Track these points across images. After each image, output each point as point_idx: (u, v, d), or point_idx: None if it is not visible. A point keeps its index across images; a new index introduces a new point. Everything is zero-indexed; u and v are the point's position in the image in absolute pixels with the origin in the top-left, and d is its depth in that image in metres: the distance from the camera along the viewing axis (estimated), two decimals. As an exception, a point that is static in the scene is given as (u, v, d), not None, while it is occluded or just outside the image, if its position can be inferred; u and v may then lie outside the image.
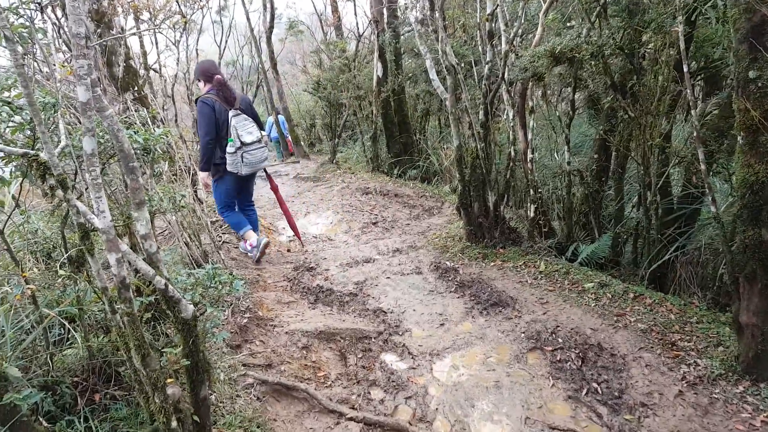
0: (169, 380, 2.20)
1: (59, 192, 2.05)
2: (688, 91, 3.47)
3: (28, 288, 2.43)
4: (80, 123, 2.01)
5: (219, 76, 5.22)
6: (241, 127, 5.15)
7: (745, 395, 3.00)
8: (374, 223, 8.02)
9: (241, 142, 5.13)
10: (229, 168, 5.28)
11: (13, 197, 2.76)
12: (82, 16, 1.79)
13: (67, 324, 2.72)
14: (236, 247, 6.39)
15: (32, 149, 2.22)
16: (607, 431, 3.06)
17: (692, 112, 3.53)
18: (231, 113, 5.16)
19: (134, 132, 2.81)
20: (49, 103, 2.42)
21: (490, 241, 5.89)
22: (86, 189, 2.53)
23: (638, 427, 3.01)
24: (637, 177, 5.25)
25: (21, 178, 2.40)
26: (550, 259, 5.38)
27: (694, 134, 3.57)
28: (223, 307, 4.23)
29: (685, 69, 3.54)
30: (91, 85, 1.83)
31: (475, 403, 3.45)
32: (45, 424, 2.34)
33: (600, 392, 3.35)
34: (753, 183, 2.74)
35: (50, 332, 2.92)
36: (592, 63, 4.65)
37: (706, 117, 4.49)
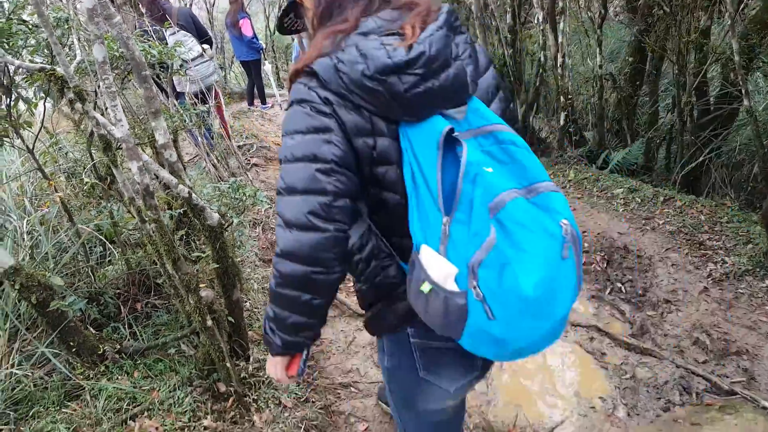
0: (201, 285, 2.34)
1: (78, 105, 2.11)
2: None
3: (58, 195, 2.56)
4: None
5: None
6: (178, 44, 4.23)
7: (771, 288, 2.99)
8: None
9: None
10: (178, 89, 4.71)
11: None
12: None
13: (104, 239, 2.88)
14: (265, 170, 6.48)
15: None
16: (629, 327, 3.13)
17: (726, 0, 3.31)
18: (167, 32, 4.64)
19: (149, 46, 2.84)
20: (62, 18, 2.45)
21: (519, 152, 5.82)
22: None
23: (660, 322, 3.06)
24: (672, 78, 5.02)
25: (44, 97, 2.49)
26: (580, 167, 5.30)
27: (729, 23, 3.36)
28: (252, 224, 4.38)
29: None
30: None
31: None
32: (93, 331, 2.54)
33: (624, 291, 3.40)
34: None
35: (90, 252, 3.10)
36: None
37: (746, 9, 4.20)
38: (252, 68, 8.66)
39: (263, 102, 9.18)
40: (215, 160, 4.93)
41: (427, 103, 1.10)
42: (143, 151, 3.35)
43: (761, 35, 4.04)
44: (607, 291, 3.43)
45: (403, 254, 1.23)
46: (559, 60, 5.36)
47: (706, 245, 3.53)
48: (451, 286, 1.04)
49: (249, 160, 6.51)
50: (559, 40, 5.29)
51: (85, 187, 3.34)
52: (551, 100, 6.94)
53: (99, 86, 2.20)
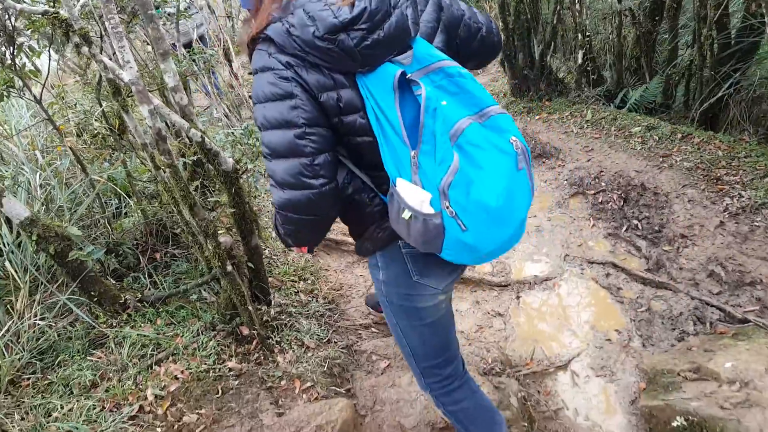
0: (219, 231, 2.37)
1: (84, 49, 2.08)
2: None
3: (68, 141, 2.58)
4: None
5: None
6: None
7: (789, 220, 2.96)
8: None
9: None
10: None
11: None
12: None
13: (119, 191, 2.91)
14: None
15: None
16: (645, 262, 3.13)
17: None
18: None
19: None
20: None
21: (535, 93, 5.72)
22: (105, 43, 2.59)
23: (676, 257, 3.06)
24: (693, 12, 4.82)
25: (48, 46, 2.47)
26: (598, 107, 5.20)
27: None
28: (261, 172, 4.39)
29: None
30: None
31: (516, 246, 3.56)
32: (113, 281, 2.60)
33: (640, 228, 3.38)
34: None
35: (106, 204, 3.15)
36: None
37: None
38: None
39: None
40: (227, 110, 4.92)
41: (377, 54, 1.22)
42: (158, 94, 3.35)
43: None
44: (624, 228, 3.42)
45: (383, 188, 1.40)
46: (575, -4, 5.18)
47: (723, 180, 3.48)
48: (428, 210, 1.22)
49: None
50: (575, -25, 5.10)
51: (97, 137, 3.35)
52: (569, 39, 6.75)
53: (105, 28, 2.17)
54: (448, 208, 1.19)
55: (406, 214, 1.26)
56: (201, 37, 5.15)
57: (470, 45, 1.48)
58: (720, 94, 4.62)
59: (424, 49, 1.28)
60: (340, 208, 1.42)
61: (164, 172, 2.16)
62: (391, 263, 1.52)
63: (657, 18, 5.40)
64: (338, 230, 3.90)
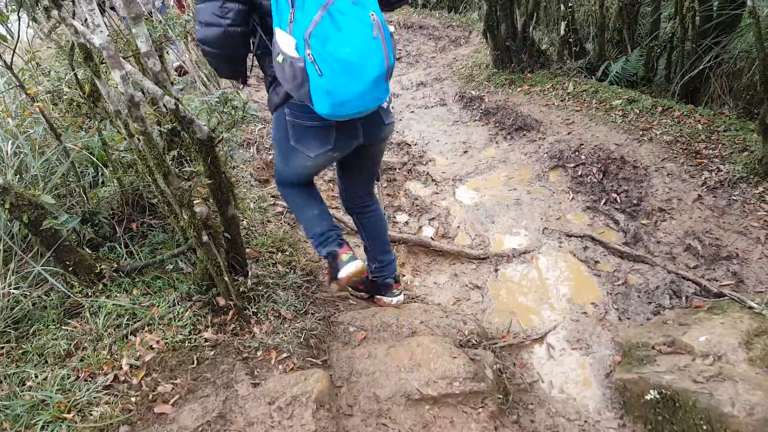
0: (195, 201, 2.32)
1: (54, 12, 2.01)
2: None
3: (38, 106, 2.50)
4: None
5: None
6: None
7: (764, 195, 2.99)
8: (398, 59, 7.76)
9: None
10: None
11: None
12: None
13: (94, 159, 2.83)
14: (259, 90, 6.33)
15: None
16: (623, 235, 3.16)
17: None
18: None
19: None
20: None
21: (517, 65, 5.68)
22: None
23: (654, 230, 3.09)
24: (676, -17, 4.81)
25: (17, 10, 2.37)
26: (580, 79, 5.18)
27: None
28: (246, 144, 4.33)
29: None
30: None
31: (495, 219, 3.57)
32: (89, 250, 2.55)
33: (619, 201, 3.41)
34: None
35: (83, 174, 3.06)
36: None
37: None
38: None
39: None
40: (205, 78, 4.81)
41: None
42: (131, 60, 3.25)
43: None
44: (602, 202, 3.44)
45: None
46: (559, -35, 5.12)
47: (702, 154, 3.51)
48: (293, 53, 1.65)
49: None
50: (560, -57, 5.03)
51: (72, 105, 3.25)
52: (552, 10, 6.70)
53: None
54: (309, 54, 1.61)
55: (280, 58, 1.70)
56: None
57: None
58: (701, 68, 4.63)
59: None
60: (245, 51, 1.90)
61: (138, 140, 2.10)
62: (278, 126, 2.03)
63: (640, -10, 5.38)
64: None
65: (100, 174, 3.03)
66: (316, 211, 2.34)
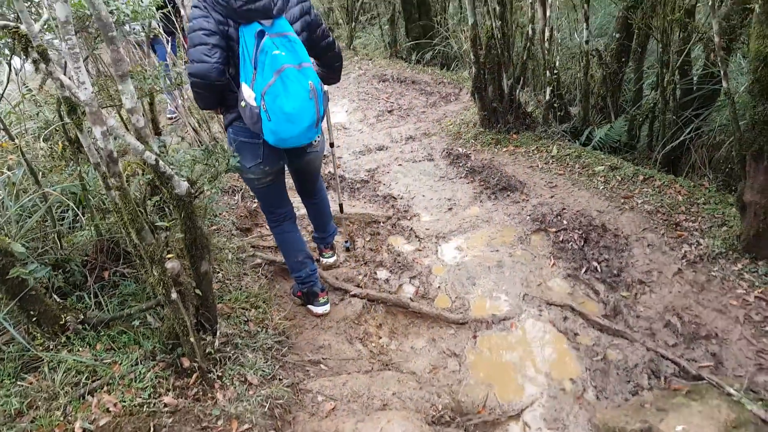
0: (169, 255, 2.27)
1: (42, 66, 2.01)
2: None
3: (10, 158, 2.46)
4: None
5: None
6: None
7: (743, 272, 3.01)
8: (389, 111, 7.86)
9: None
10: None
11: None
12: None
13: (72, 204, 2.78)
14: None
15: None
16: (602, 307, 3.13)
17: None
18: None
19: (124, 4, 2.71)
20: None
21: (503, 126, 5.76)
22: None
23: (634, 303, 3.07)
24: (657, 56, 4.96)
25: (9, 56, 2.37)
26: (564, 143, 5.26)
27: (708, 5, 3.30)
28: (231, 191, 4.30)
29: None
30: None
31: (476, 281, 3.54)
32: (57, 299, 2.47)
33: (599, 270, 3.39)
34: (766, 55, 2.56)
35: (62, 217, 3.01)
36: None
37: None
38: None
39: None
40: (196, 124, 4.80)
41: (250, 15, 2.27)
42: (117, 113, 3.24)
43: (742, 17, 4.00)
44: (583, 270, 3.43)
45: (235, 92, 2.47)
46: (547, 34, 5.26)
47: (682, 226, 3.53)
48: (253, 103, 2.32)
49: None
50: (548, 14, 5.18)
51: (57, 149, 3.22)
52: (539, 74, 6.86)
53: (62, 47, 2.09)
54: (263, 105, 2.28)
55: (243, 104, 2.38)
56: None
57: (319, 44, 2.60)
58: (681, 138, 4.73)
59: (283, 24, 2.33)
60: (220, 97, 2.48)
61: (114, 192, 2.08)
62: (229, 141, 2.66)
63: (623, 60, 5.54)
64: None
65: (78, 217, 2.97)
66: (300, 258, 3.03)
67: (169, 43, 4.93)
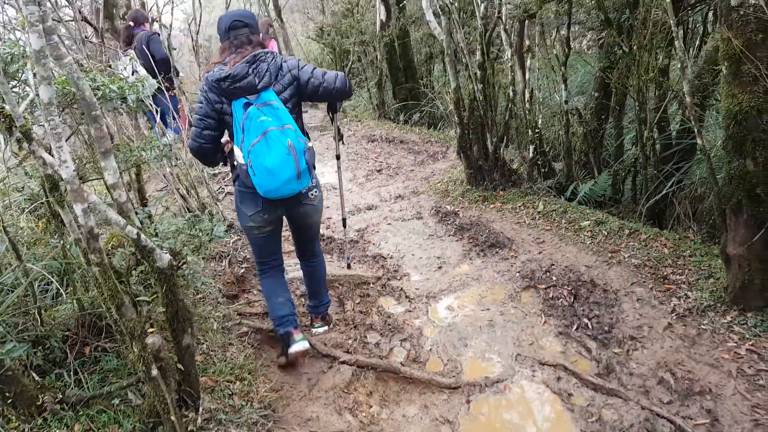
0: (150, 329, 2.24)
1: (25, 144, 2.05)
2: (672, 22, 3.32)
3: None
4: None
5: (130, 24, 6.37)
6: (120, 64, 5.69)
7: (732, 325, 2.99)
8: (378, 171, 7.97)
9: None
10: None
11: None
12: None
13: (52, 279, 2.76)
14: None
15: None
16: (595, 365, 3.09)
17: (675, 44, 3.39)
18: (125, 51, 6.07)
19: (109, 81, 2.77)
20: (16, 54, 2.39)
21: (490, 183, 5.84)
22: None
23: (626, 360, 3.03)
24: (635, 113, 5.11)
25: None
26: (549, 199, 5.32)
27: (679, 67, 3.43)
28: (218, 257, 4.28)
29: (667, 0, 3.38)
30: (47, 33, 1.80)
31: (468, 342, 3.49)
32: (36, 377, 2.41)
33: (590, 327, 3.37)
34: (737, 113, 2.65)
35: (45, 290, 2.98)
36: (586, -1, 4.46)
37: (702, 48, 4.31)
38: None
39: None
40: (184, 191, 4.84)
41: (238, 93, 2.68)
42: (105, 185, 3.25)
43: (713, 75, 4.16)
44: (574, 327, 3.40)
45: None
46: (527, 95, 5.43)
47: (670, 279, 3.54)
48: (242, 161, 2.72)
49: (223, 189, 6.43)
50: (527, 76, 5.37)
51: (40, 224, 3.22)
52: (522, 131, 7.03)
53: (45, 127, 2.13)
54: (249, 162, 2.66)
55: (236, 163, 2.84)
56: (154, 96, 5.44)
57: (316, 93, 2.89)
58: (664, 192, 4.81)
59: (267, 95, 2.71)
60: (219, 158, 3.00)
61: (94, 268, 2.07)
62: (234, 193, 3.06)
63: (603, 117, 5.70)
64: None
65: (61, 290, 2.94)
66: (281, 299, 3.20)
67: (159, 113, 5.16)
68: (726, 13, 2.64)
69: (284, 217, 3.17)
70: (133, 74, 5.45)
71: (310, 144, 2.82)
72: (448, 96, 10.11)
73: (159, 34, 6.47)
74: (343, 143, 3.72)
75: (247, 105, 2.64)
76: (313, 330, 3.57)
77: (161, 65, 5.76)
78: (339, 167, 3.97)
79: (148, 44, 6.19)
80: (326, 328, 3.62)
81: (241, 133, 2.67)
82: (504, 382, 3.05)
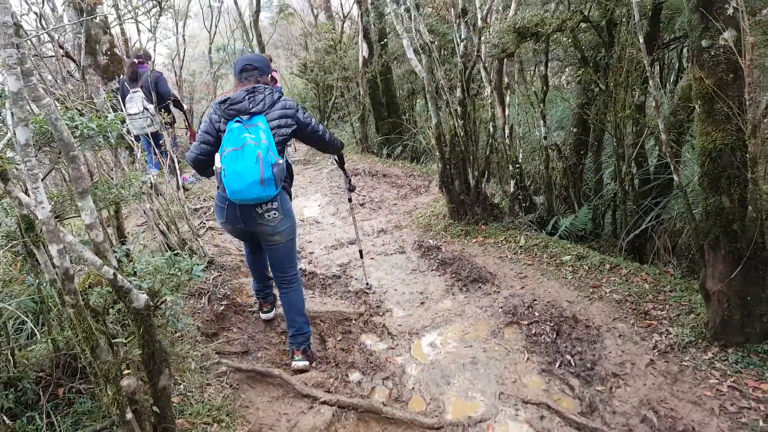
0: (126, 371, 2.19)
1: (0, 185, 2.03)
2: (645, 61, 3.43)
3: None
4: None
5: (134, 62, 6.89)
6: (129, 100, 6.63)
7: (714, 361, 3.00)
8: (361, 204, 7.98)
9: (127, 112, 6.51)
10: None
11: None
12: (7, 5, 1.74)
13: (25, 318, 2.70)
14: (221, 234, 6.35)
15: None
16: (578, 403, 3.07)
17: (649, 82, 3.50)
18: (132, 91, 6.74)
19: (87, 119, 2.76)
20: (-7, 94, 2.38)
21: (472, 217, 5.87)
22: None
23: (609, 398, 3.02)
24: (612, 149, 5.22)
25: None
26: (531, 233, 5.36)
27: (653, 104, 3.53)
28: (197, 294, 4.22)
29: (640, 39, 3.50)
30: (25, 74, 1.79)
31: (451, 380, 3.46)
32: (7, 421, 2.33)
33: (573, 364, 3.36)
34: (711, 150, 2.72)
35: (20, 330, 2.91)
36: (563, 38, 4.59)
37: (678, 84, 4.44)
38: None
39: None
40: (165, 227, 4.79)
41: (232, 113, 3.20)
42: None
43: (688, 112, 4.27)
44: (557, 364, 3.39)
45: None
46: (507, 131, 5.51)
47: (651, 315, 3.56)
48: (218, 164, 3.14)
49: (204, 224, 6.38)
50: (507, 112, 5.46)
51: (17, 262, 3.16)
52: (504, 166, 7.12)
53: (21, 169, 2.11)
54: (223, 166, 3.09)
55: (215, 168, 3.16)
56: (152, 134, 6.40)
57: (310, 138, 3.56)
58: (644, 226, 4.87)
59: (257, 119, 3.19)
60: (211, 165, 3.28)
61: (69, 310, 2.03)
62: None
63: (582, 152, 5.80)
64: (265, 359, 3.71)
65: (36, 328, 2.87)
66: (256, 275, 4.11)
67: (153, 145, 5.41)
68: (697, 54, 2.73)
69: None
70: (144, 111, 6.69)
71: (281, 161, 3.18)
72: (429, 131, 10.25)
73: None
74: (352, 190, 4.48)
75: (237, 122, 3.16)
76: (293, 364, 3.55)
77: (174, 104, 7.00)
78: (351, 208, 4.96)
79: (156, 84, 6.73)
80: (306, 363, 3.58)
81: (224, 143, 3.16)
82: (487, 422, 3.02)
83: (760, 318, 2.93)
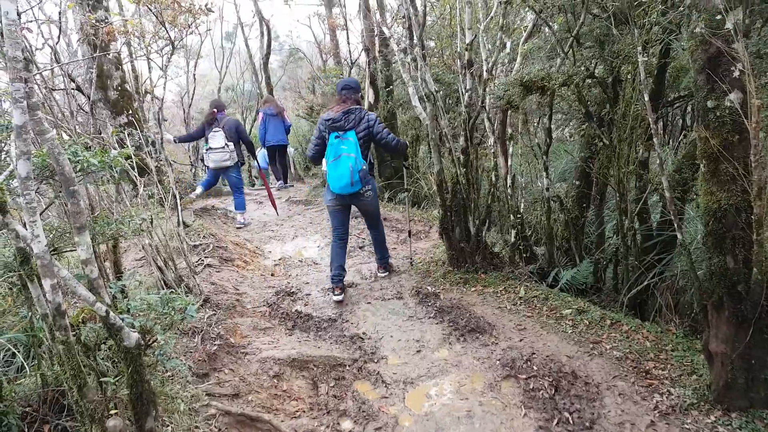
0: (113, 411, 2.13)
1: (-1, 217, 2.02)
2: (651, 119, 3.47)
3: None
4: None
5: (214, 110, 8.50)
6: (211, 137, 8.24)
7: (717, 426, 2.92)
8: (361, 248, 7.94)
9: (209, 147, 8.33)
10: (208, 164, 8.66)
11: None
12: (19, 40, 1.77)
13: (15, 350, 2.65)
14: (219, 271, 6.31)
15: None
16: (576, 464, 2.97)
17: (654, 140, 3.53)
18: (213, 130, 8.31)
19: (90, 154, 2.77)
20: (2, 125, 2.40)
21: (471, 266, 5.84)
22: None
23: (608, 460, 2.92)
24: (615, 203, 5.24)
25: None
26: (531, 284, 5.32)
27: (657, 162, 3.56)
28: (190, 332, 4.16)
29: (646, 98, 3.55)
30: (31, 108, 1.81)
31: (446, 436, 3.36)
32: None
33: (571, 422, 3.27)
34: (716, 210, 2.72)
35: (10, 363, 2.85)
36: (568, 92, 4.67)
37: (683, 144, 4.48)
38: (279, 151, 11.72)
39: (285, 181, 12.19)
40: (162, 263, 4.76)
41: (332, 129, 5.22)
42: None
43: (693, 170, 4.30)
44: (555, 422, 3.30)
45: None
46: (509, 181, 5.54)
47: (652, 374, 3.48)
48: (325, 168, 5.35)
49: (203, 261, 6.34)
50: (509, 162, 5.50)
51: (9, 297, 3.13)
52: (505, 214, 7.13)
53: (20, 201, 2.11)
54: (327, 171, 5.24)
55: (324, 169, 5.39)
56: (222, 168, 8.52)
57: (379, 143, 5.29)
58: (646, 282, 4.83)
59: (350, 134, 5.14)
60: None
61: (59, 346, 1.99)
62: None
63: (584, 205, 5.80)
64: (256, 403, 3.62)
65: (26, 362, 2.82)
66: (335, 264, 5.56)
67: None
68: (703, 114, 2.76)
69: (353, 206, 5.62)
70: (226, 146, 8.20)
71: (365, 166, 5.15)
72: (431, 177, 10.30)
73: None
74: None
75: (337, 137, 5.10)
76: (379, 275, 6.21)
77: (247, 147, 8.77)
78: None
79: (237, 129, 8.50)
80: (387, 273, 6.20)
81: (327, 153, 5.17)
82: (482, 480, 2.91)
83: (765, 382, 2.86)
